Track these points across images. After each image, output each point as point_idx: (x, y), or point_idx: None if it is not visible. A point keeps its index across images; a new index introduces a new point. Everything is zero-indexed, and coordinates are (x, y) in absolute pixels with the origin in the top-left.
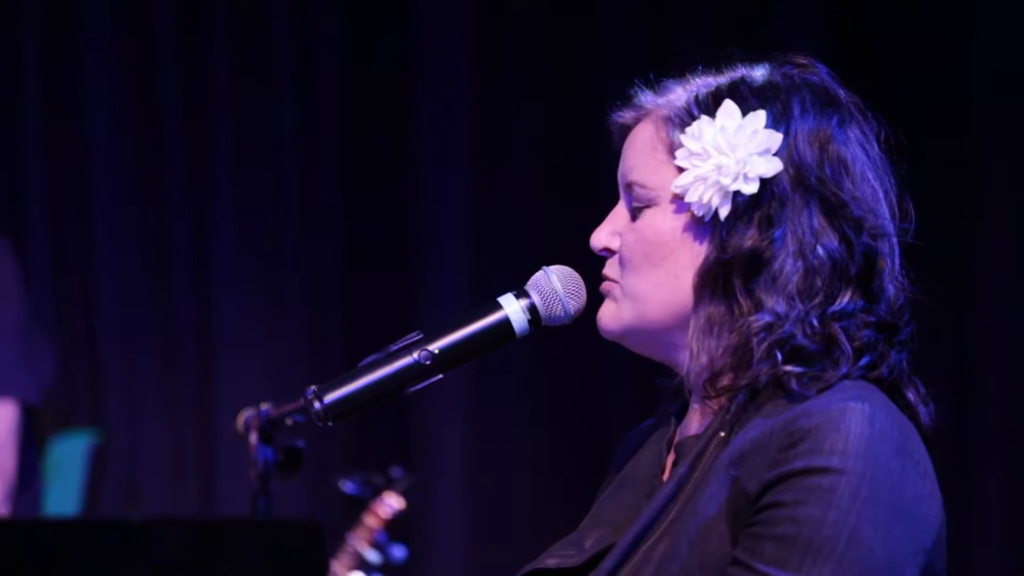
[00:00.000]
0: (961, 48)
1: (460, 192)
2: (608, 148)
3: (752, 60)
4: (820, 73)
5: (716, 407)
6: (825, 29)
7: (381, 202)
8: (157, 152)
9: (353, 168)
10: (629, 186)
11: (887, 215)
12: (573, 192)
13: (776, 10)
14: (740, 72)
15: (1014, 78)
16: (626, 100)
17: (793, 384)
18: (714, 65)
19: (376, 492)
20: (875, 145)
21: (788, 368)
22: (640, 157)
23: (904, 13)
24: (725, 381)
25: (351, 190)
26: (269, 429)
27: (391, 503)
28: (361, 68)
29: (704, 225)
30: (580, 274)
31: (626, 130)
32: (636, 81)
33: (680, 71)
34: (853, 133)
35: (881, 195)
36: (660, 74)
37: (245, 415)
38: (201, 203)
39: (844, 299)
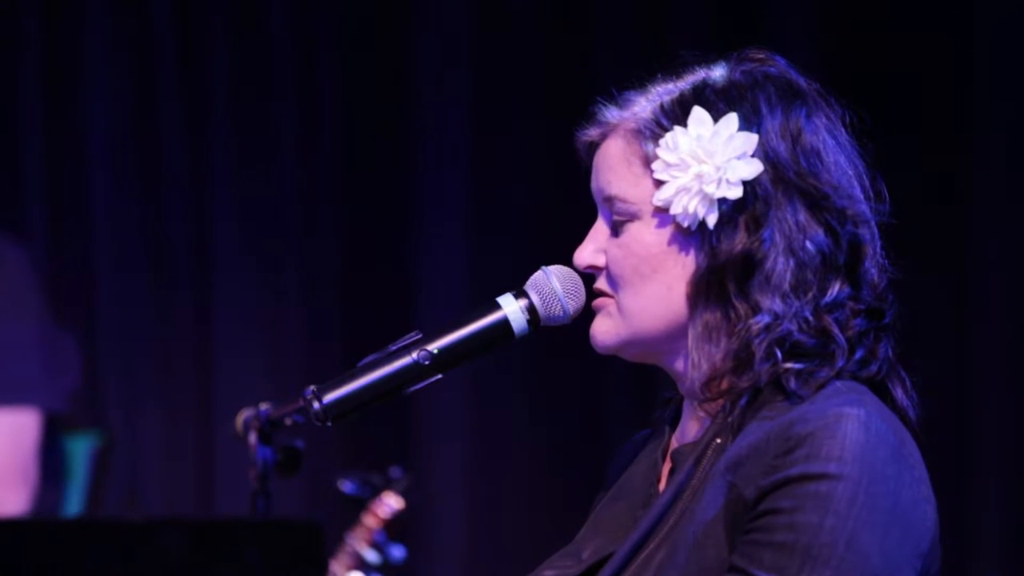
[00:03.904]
0: (960, 43)
1: (460, 192)
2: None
3: (706, 60)
4: (779, 65)
5: (712, 412)
6: (823, 29)
7: (381, 202)
8: (157, 153)
9: (353, 168)
10: (609, 201)
11: (863, 199)
12: (573, 192)
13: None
14: (700, 75)
15: (1013, 71)
16: (589, 117)
17: (792, 383)
18: (671, 70)
19: (375, 492)
20: (842, 130)
21: (788, 365)
22: (616, 172)
23: (903, 12)
24: (724, 384)
25: (351, 190)
26: (268, 429)
27: (390, 503)
28: (361, 68)
29: (691, 234)
30: (579, 275)
31: (594, 147)
32: (598, 99)
33: (678, 72)
34: (820, 121)
35: (855, 179)
36: (658, 75)
37: (244, 415)
38: (201, 203)
39: (834, 290)
